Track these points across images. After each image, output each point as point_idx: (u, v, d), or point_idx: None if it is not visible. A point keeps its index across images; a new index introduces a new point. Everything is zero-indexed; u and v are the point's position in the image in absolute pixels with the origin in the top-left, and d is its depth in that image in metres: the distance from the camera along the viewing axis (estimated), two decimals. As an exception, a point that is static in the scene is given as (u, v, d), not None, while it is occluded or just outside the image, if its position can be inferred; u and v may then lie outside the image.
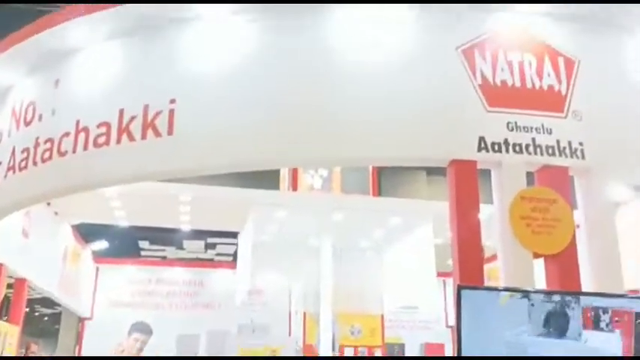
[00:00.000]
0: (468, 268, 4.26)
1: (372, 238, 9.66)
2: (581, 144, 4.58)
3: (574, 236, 4.37)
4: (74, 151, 5.00)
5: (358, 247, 9.89)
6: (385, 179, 10.47)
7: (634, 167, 4.94)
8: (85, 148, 4.94)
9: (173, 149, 4.69)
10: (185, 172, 5.18)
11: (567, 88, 4.72)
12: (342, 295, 9.29)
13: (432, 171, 11.05)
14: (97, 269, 11.96)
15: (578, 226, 4.49)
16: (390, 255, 9.69)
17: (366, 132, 4.49)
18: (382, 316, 9.52)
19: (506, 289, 4.00)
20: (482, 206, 4.46)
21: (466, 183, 4.43)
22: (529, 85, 4.67)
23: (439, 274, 8.97)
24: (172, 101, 4.75)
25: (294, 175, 8.54)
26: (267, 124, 4.58)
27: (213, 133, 4.65)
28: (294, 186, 8.56)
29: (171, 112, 4.72)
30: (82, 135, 4.99)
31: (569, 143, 4.56)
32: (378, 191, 9.49)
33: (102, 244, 11.28)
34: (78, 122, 5.05)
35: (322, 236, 9.02)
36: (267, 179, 8.60)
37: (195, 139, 4.67)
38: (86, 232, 10.60)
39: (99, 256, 11.91)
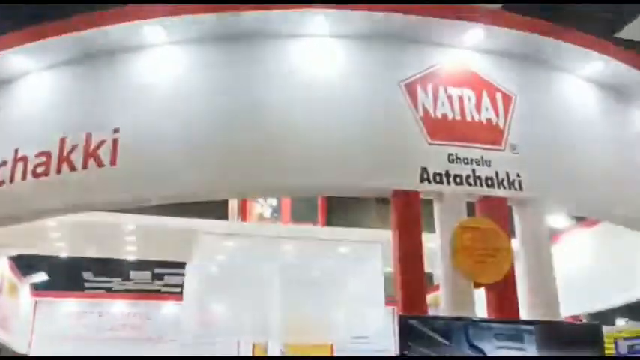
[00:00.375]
0: (410, 297, 4.32)
1: (322, 268, 9.64)
2: (518, 176, 4.76)
3: (512, 265, 4.50)
4: (12, 181, 4.85)
5: (308, 277, 9.85)
6: (335, 208, 10.53)
7: (569, 198, 5.14)
8: (24, 178, 4.81)
9: (116, 179, 4.61)
10: (129, 203, 5.08)
11: (505, 122, 4.92)
12: (291, 326, 9.19)
13: (382, 199, 11.18)
14: (36, 303, 11.48)
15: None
16: (340, 284, 9.69)
17: (311, 163, 4.54)
18: (332, 346, 9.47)
19: (445, 318, 4.10)
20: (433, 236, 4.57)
21: (409, 213, 4.52)
22: (469, 119, 4.84)
23: (390, 303, 9.02)
24: (116, 130, 4.69)
25: (244, 204, 8.48)
26: (211, 154, 4.57)
27: (158, 163, 4.60)
28: (243, 215, 8.50)
29: (115, 141, 4.66)
30: (20, 164, 4.85)
31: (508, 175, 4.73)
32: (328, 220, 9.52)
33: (41, 277, 10.84)
34: (16, 151, 4.91)
35: (272, 266, 8.95)
36: (215, 208, 8.52)
37: (139, 170, 4.61)
38: (26, 264, 10.18)
39: (39, 289, 11.44)
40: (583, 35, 5.12)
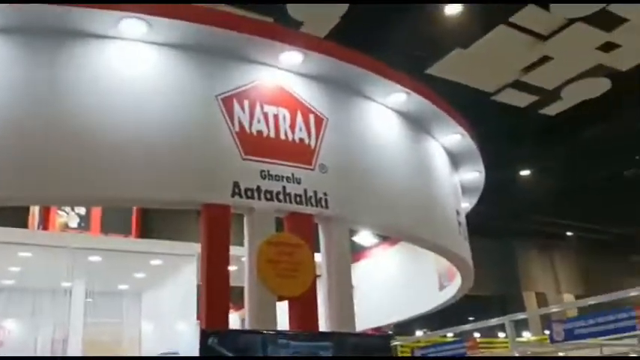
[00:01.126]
0: (215, 311, 4.30)
1: (131, 281, 9.23)
2: (325, 194, 5.00)
3: (315, 279, 4.71)
4: None
5: (115, 291, 9.35)
6: (152, 219, 10.17)
7: (373, 218, 5.52)
8: None
9: None
10: None
11: (316, 143, 5.15)
12: (95, 343, 8.64)
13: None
14: None
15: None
16: (150, 298, 9.35)
17: (120, 173, 4.31)
18: (139, 362, 9.06)
19: (247, 332, 4.16)
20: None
21: (218, 227, 4.51)
22: (283, 137, 4.99)
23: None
24: None
25: (46, 212, 7.82)
26: (5, 158, 4.13)
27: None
28: (45, 224, 7.83)
29: None
30: None
31: (315, 193, 4.96)
32: (142, 232, 9.15)
33: None
34: None
35: (75, 279, 8.34)
36: (13, 216, 7.74)
37: None
38: None
39: None
40: (390, 69, 5.58)
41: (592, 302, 8.70)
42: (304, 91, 5.28)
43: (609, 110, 10.93)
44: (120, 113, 4.42)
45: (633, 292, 7.07)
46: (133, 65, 4.61)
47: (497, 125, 11.54)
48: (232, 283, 4.84)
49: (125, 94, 4.48)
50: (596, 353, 10.85)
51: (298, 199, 4.85)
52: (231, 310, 6.00)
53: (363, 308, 9.28)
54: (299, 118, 5.13)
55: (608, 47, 9.19)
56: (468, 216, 8.57)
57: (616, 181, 13.83)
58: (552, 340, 7.66)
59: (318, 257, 4.98)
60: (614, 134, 12.13)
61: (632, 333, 8.73)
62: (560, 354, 11.30)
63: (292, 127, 5.06)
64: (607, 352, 10.82)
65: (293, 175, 4.90)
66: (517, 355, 8.31)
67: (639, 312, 6.67)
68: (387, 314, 9.49)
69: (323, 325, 4.79)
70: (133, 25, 4.50)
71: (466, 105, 8.47)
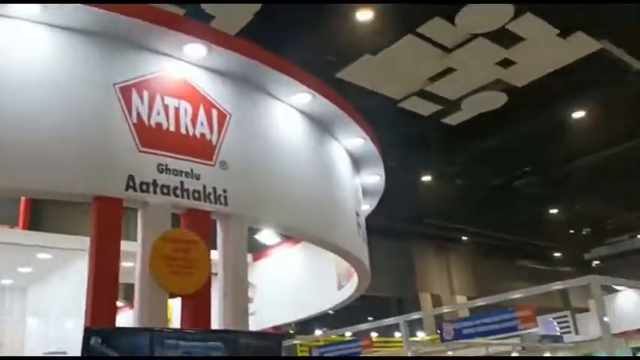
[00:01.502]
0: (101, 308, 4.13)
1: (16, 276, 8.66)
2: (225, 191, 4.93)
3: (209, 277, 4.64)
4: None
5: (-3, 286, 8.76)
6: (42, 211, 9.60)
7: (273, 217, 5.51)
8: None
9: None
10: None
11: (218, 139, 5.07)
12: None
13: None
14: None
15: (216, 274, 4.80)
16: (36, 294, 8.83)
17: (5, 160, 4.02)
18: (23, 362, 8.52)
19: (134, 330, 4.02)
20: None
21: (109, 220, 4.34)
22: (183, 131, 4.88)
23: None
24: None
25: None
26: None
27: None
28: None
29: None
30: None
31: (215, 190, 4.88)
32: (31, 224, 8.61)
33: None
34: None
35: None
36: None
37: None
38: None
39: None
40: (296, 68, 5.59)
41: (480, 304, 9.21)
42: (208, 86, 5.18)
43: (504, 123, 11.59)
44: (6, 96, 4.12)
45: (517, 295, 7.55)
46: (21, 46, 4.32)
47: (401, 132, 11.93)
48: (128, 280, 4.68)
49: (9, 76, 4.19)
50: (482, 352, 11.50)
51: (196, 195, 4.75)
52: (126, 308, 5.83)
53: (263, 307, 9.32)
54: (201, 113, 5.03)
55: (506, 63, 9.74)
56: (369, 218, 8.79)
57: (507, 191, 14.70)
58: (443, 340, 8.02)
59: (215, 255, 4.92)
60: (507, 146, 12.90)
61: (515, 333, 9.36)
62: (449, 353, 11.86)
63: (194, 121, 4.96)
64: (492, 350, 11.49)
65: (192, 170, 4.79)
66: (410, 354, 8.63)
67: (521, 313, 7.13)
68: (288, 313, 9.53)
69: (216, 324, 4.73)
70: (31, 7, 4.23)
71: (373, 110, 8.69)
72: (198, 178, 4.80)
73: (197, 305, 4.55)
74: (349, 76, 9.87)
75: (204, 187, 4.82)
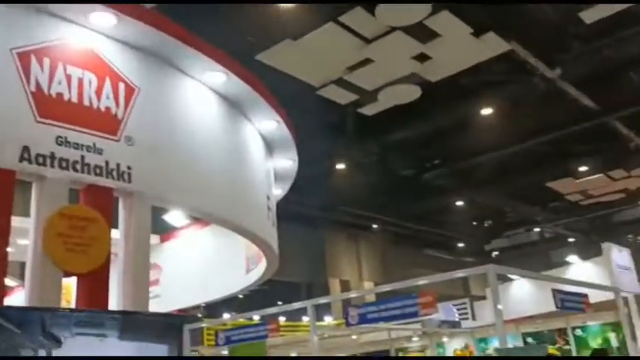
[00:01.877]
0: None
1: None
2: (129, 168, 4.77)
3: (109, 256, 4.48)
4: None
5: None
6: None
7: (181, 196, 5.38)
8: None
9: None
10: None
11: (124, 113, 4.88)
12: None
13: None
14: None
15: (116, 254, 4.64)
16: None
17: None
18: None
19: (22, 309, 3.83)
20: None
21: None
22: (86, 103, 4.66)
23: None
24: None
25: None
26: None
27: None
28: None
29: None
30: None
31: (118, 166, 4.70)
32: None
33: None
34: None
35: None
36: None
37: None
38: None
39: None
40: (210, 46, 5.47)
41: (386, 289, 9.49)
42: (117, 58, 4.97)
43: (417, 117, 11.91)
44: None
45: (421, 282, 7.85)
46: None
47: (319, 119, 11.99)
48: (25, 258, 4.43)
49: None
50: (384, 336, 11.88)
51: (98, 170, 4.57)
52: (20, 287, 5.50)
53: (170, 289, 9.12)
54: (107, 85, 4.82)
55: (422, 58, 9.97)
56: (283, 204, 8.80)
57: (417, 182, 15.16)
58: (348, 324, 8.21)
59: (116, 234, 4.76)
60: (419, 139, 13.29)
61: (416, 319, 9.73)
62: (354, 337, 12.18)
63: (98, 93, 4.74)
64: (394, 335, 11.89)
65: (94, 144, 4.59)
66: (316, 338, 8.76)
67: (422, 299, 7.42)
68: (195, 295, 9.39)
69: (115, 305, 4.59)
70: None
71: (291, 96, 8.67)
72: (100, 153, 4.61)
73: (93, 285, 4.39)
74: (269, 59, 9.75)
75: (107, 162, 4.64)
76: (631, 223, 21.23)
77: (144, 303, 4.69)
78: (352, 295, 10.52)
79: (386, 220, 18.12)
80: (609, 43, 9.57)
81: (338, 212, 16.76)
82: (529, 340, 10.56)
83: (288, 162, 7.57)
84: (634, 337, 11.06)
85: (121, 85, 4.92)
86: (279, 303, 11.15)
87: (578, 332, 10.04)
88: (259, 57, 9.66)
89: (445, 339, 11.93)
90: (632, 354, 9.01)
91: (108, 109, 4.77)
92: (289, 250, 11.79)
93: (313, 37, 9.26)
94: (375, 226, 18.63)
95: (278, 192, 8.06)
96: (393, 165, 14.58)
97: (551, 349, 9.02)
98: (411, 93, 11.15)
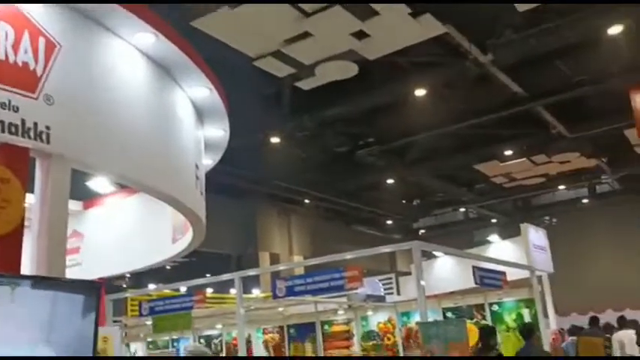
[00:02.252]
0: None
1: None
2: (47, 128, 4.52)
3: (23, 219, 4.26)
4: None
5: None
6: None
7: (104, 160, 5.17)
8: None
9: None
10: None
11: (44, 71, 4.61)
12: None
13: None
14: None
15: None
16: None
17: None
18: None
19: None
20: None
21: None
22: (2, 57, 4.37)
23: None
24: None
25: None
26: None
27: None
28: None
29: None
30: None
31: (35, 125, 4.45)
32: None
33: None
34: None
35: None
36: None
37: None
38: None
39: None
40: (140, 6, 5.23)
41: (314, 262, 9.60)
42: (37, 10, 4.67)
43: (353, 94, 11.99)
44: None
45: (349, 256, 7.97)
46: None
47: (255, 91, 11.84)
48: None
49: None
50: (311, 309, 12.05)
51: (13, 129, 4.30)
52: None
53: (92, 257, 8.85)
54: (25, 39, 4.52)
55: (360, 35, 10.00)
56: (214, 175, 8.67)
57: (349, 159, 15.34)
58: (275, 296, 8.25)
59: (31, 198, 4.53)
60: (354, 116, 13.39)
61: (342, 293, 9.90)
62: (280, 309, 12.28)
63: (15, 47, 4.45)
64: (320, 308, 12.09)
65: (10, 101, 4.32)
66: (242, 310, 8.77)
67: (349, 273, 7.54)
68: (118, 265, 9.16)
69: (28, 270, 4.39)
70: None
71: (228, 66, 8.49)
72: (16, 111, 4.35)
73: (6, 250, 4.16)
74: (205, 26, 9.49)
75: (24, 121, 4.38)
76: (549, 206, 22.41)
77: (60, 270, 4.51)
78: (280, 267, 10.58)
79: (318, 196, 18.26)
80: (536, 33, 9.92)
81: (270, 186, 16.74)
82: (449, 314, 10.99)
83: (219, 132, 7.43)
84: (546, 314, 11.75)
85: (42, 40, 4.64)
86: (208, 275, 11.10)
87: (495, 308, 10.53)
88: (195, 23, 9.39)
89: (370, 312, 12.23)
90: (543, 329, 9.59)
91: (26, 64, 4.49)
92: (220, 222, 11.68)
93: (251, 7, 9.08)
94: (307, 201, 18.75)
95: (208, 162, 7.92)
96: (327, 141, 14.65)
97: (470, 324, 9.41)
98: (348, 70, 11.19)
